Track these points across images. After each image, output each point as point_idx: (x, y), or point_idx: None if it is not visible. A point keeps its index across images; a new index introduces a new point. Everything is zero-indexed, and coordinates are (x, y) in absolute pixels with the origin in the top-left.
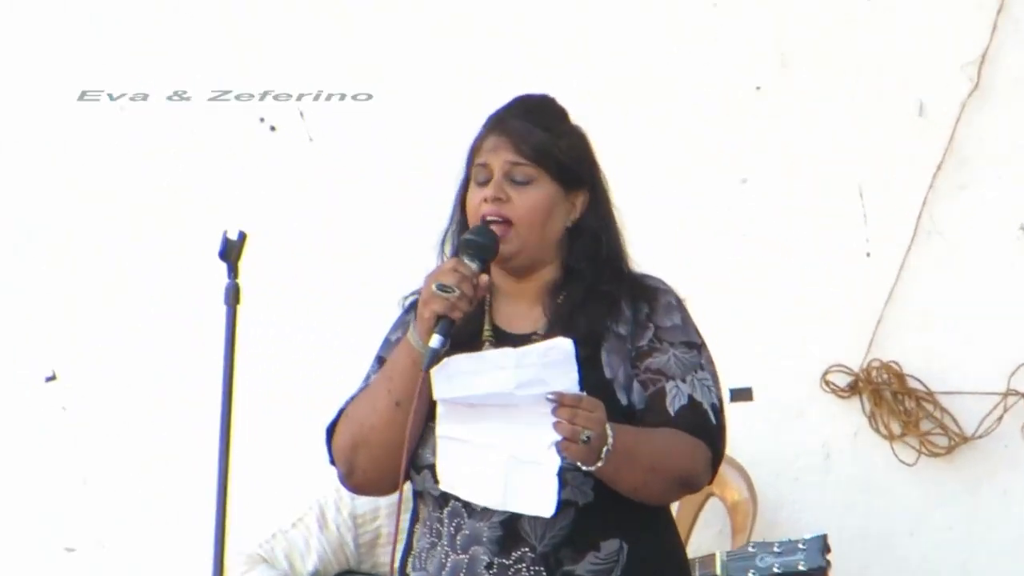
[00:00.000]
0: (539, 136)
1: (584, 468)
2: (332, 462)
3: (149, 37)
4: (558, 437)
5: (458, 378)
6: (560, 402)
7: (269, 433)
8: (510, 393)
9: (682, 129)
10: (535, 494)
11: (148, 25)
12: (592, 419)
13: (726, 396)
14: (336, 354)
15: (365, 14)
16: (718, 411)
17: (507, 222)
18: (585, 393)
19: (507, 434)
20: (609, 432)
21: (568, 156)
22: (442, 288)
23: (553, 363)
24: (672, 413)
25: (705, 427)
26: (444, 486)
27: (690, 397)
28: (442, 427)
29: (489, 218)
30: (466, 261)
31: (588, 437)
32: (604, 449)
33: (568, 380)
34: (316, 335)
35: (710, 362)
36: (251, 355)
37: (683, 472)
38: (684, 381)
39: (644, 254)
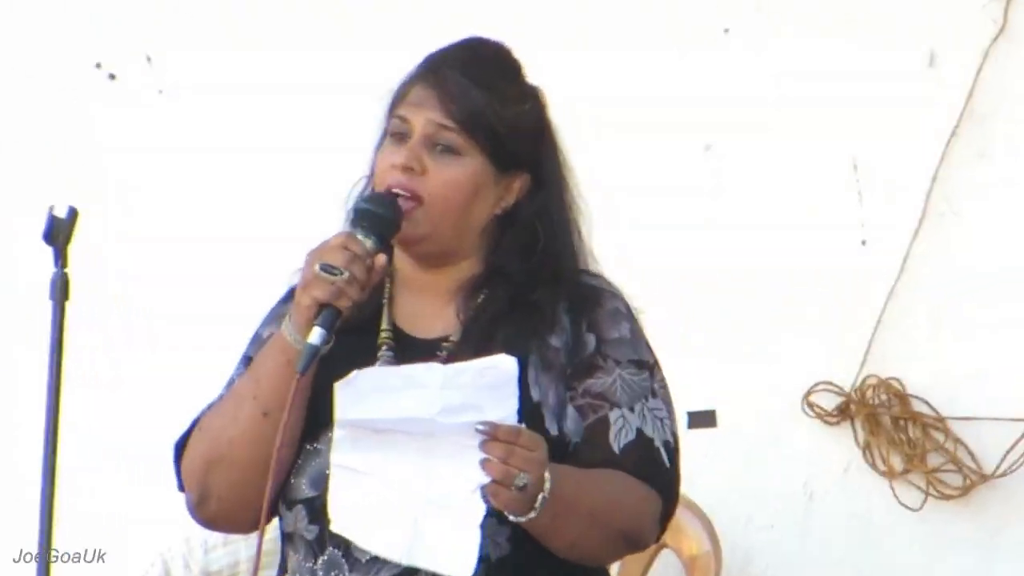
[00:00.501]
0: (477, 98)
1: (513, 519)
2: (181, 487)
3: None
4: (486, 479)
5: (369, 396)
6: (493, 436)
7: (105, 461)
8: (431, 419)
9: (635, 81)
10: (450, 548)
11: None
12: (531, 460)
13: (683, 423)
14: None
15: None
16: (672, 450)
17: (416, 199)
18: (524, 425)
19: (422, 470)
20: (547, 477)
21: (510, 129)
22: (327, 269)
23: (490, 386)
24: (617, 450)
25: (656, 470)
26: (336, 527)
27: (639, 431)
28: (338, 455)
29: (395, 191)
30: (359, 236)
31: (525, 483)
32: (540, 497)
33: (505, 409)
34: None
35: (664, 387)
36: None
37: (628, 528)
38: (632, 410)
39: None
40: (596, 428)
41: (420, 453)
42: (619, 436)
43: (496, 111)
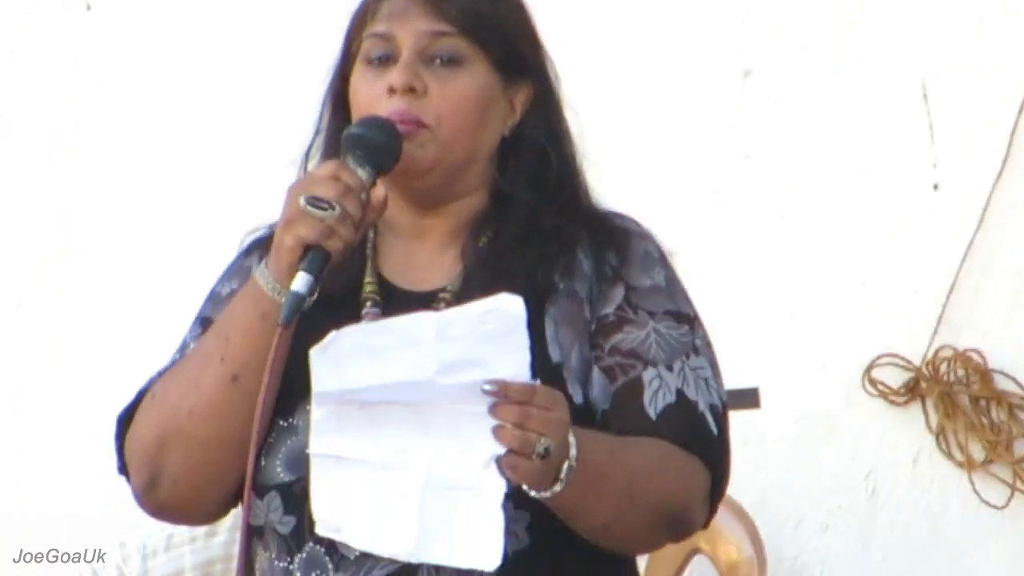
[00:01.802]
0: None
1: (535, 494)
2: (122, 469)
3: None
4: (501, 449)
5: (350, 361)
6: (504, 395)
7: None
8: (428, 381)
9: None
10: (468, 537)
11: None
12: (551, 422)
13: None
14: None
15: None
16: (720, 415)
17: (421, 125)
18: (539, 381)
19: (422, 446)
20: (571, 441)
21: (512, 27)
22: (314, 203)
23: (494, 335)
24: (653, 415)
25: (702, 438)
26: (324, 530)
27: (679, 393)
28: (318, 440)
29: (396, 120)
30: (351, 166)
31: (546, 448)
32: (565, 466)
33: (515, 361)
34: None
35: (707, 344)
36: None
37: (673, 505)
38: (670, 369)
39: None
40: (628, 391)
41: (418, 426)
42: (655, 399)
43: (493, 6)
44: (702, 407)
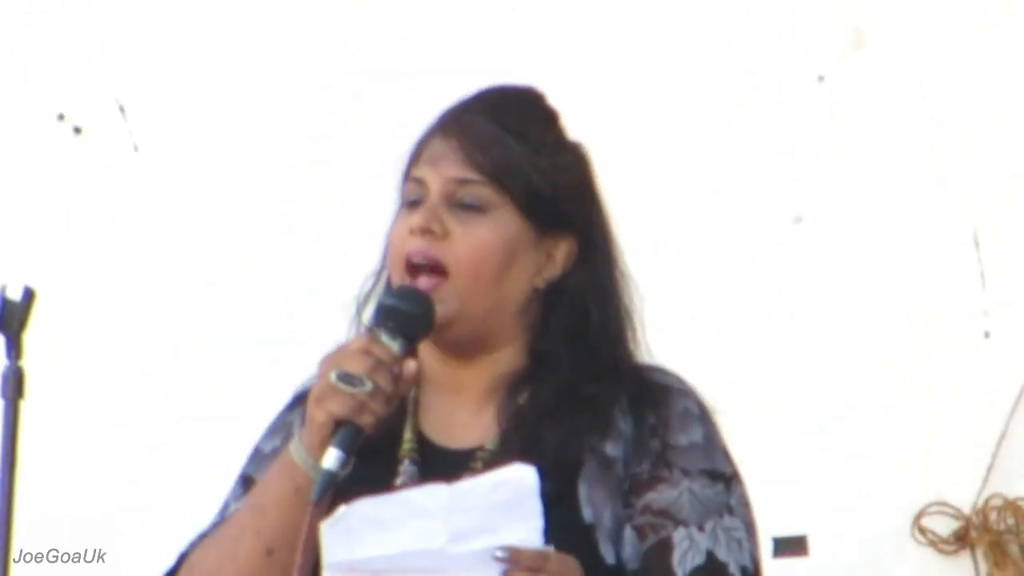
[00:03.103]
0: (506, 143)
1: None
2: None
3: None
4: None
5: (362, 533)
6: (516, 562)
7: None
8: (439, 550)
9: (714, 163)
10: None
11: None
12: None
13: (767, 551)
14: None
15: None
16: None
17: (439, 270)
18: (553, 548)
19: None
20: None
21: (549, 180)
22: (345, 379)
23: (505, 504)
24: None
25: None
26: None
27: (709, 554)
28: None
29: (414, 260)
30: (383, 339)
31: None
32: None
33: (527, 528)
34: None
35: (743, 504)
36: None
37: None
38: (702, 529)
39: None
40: (657, 551)
41: None
42: (684, 560)
43: (530, 158)
44: (732, 568)
